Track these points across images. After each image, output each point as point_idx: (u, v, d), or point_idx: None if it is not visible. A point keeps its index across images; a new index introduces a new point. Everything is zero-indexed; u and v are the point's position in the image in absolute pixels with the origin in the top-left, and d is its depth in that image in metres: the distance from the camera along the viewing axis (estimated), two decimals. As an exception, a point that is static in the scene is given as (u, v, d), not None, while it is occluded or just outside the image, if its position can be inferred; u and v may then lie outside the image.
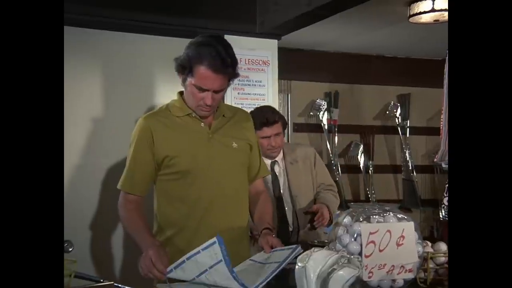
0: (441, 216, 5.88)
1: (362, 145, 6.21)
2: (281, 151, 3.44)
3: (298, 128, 6.09)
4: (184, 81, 2.48)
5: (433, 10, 4.41)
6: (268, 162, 3.35)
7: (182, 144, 2.53)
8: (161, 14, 3.84)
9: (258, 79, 4.11)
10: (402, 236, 2.02)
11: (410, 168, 6.20)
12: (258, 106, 3.57)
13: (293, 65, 5.55)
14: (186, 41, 2.51)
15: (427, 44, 5.96)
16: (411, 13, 4.54)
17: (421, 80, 6.43)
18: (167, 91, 3.57)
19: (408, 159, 6.20)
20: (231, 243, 2.30)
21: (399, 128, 6.26)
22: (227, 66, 2.39)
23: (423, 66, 6.48)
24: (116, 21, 3.73)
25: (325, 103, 6.04)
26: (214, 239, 2.08)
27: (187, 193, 2.53)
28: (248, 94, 4.05)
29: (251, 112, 3.22)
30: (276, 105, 4.16)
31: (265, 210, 2.69)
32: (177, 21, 3.87)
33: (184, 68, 2.43)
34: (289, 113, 6.01)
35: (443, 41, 5.58)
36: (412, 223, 2.05)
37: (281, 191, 3.41)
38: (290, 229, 3.38)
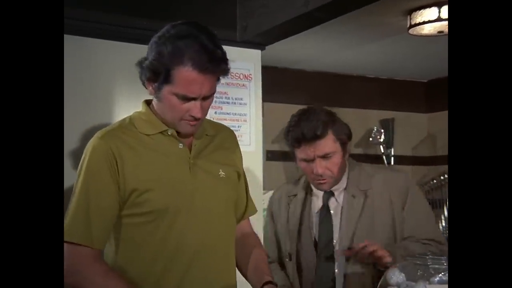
0: (432, 255, 5.32)
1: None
2: (345, 178, 2.40)
3: (272, 156, 5.43)
4: (157, 91, 1.86)
5: (439, 19, 3.81)
6: (318, 193, 2.42)
7: (156, 173, 1.88)
8: (121, 15, 3.12)
9: (238, 96, 3.42)
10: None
11: (397, 201, 5.60)
12: (304, 108, 2.46)
13: (266, 85, 4.94)
14: (145, 48, 1.93)
15: (412, 64, 5.53)
16: (412, 23, 3.94)
17: (404, 104, 5.99)
18: (129, 107, 2.82)
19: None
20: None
21: (384, 157, 5.66)
22: (218, 62, 1.83)
23: (407, 89, 6.05)
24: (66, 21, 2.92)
25: (302, 128, 5.37)
26: None
27: (163, 241, 1.87)
28: (227, 113, 3.34)
29: (292, 118, 2.39)
30: (259, 128, 3.50)
31: (260, 257, 2.08)
32: (138, 24, 3.15)
33: (157, 73, 1.82)
34: (262, 139, 5.33)
35: (432, 60, 5.23)
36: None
37: (334, 240, 2.35)
38: None
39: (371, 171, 2.45)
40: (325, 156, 2.32)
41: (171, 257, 1.89)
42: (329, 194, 2.43)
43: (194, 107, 1.85)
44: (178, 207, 1.90)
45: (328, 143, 2.31)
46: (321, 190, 2.42)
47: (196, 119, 1.88)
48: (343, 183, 2.42)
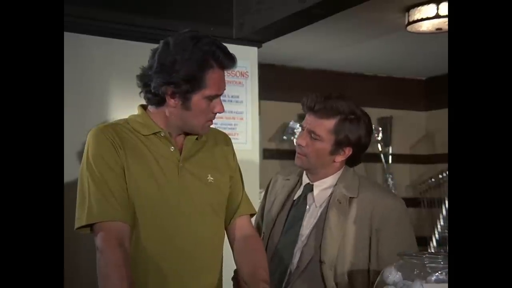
0: (431, 255, 5.28)
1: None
2: (330, 179, 2.32)
3: (268, 154, 5.39)
4: (184, 101, 1.89)
5: (437, 16, 3.77)
6: (304, 182, 2.33)
7: (148, 172, 1.90)
8: (116, 12, 3.06)
9: (234, 94, 3.39)
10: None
11: (395, 201, 5.56)
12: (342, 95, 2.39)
13: (262, 83, 4.89)
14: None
15: (411, 62, 5.48)
16: (410, 20, 3.90)
17: (402, 102, 5.94)
18: (125, 104, 2.80)
19: (392, 190, 5.54)
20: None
21: (382, 156, 5.61)
22: (231, 56, 1.93)
23: (405, 87, 6.00)
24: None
25: (299, 126, 5.28)
26: None
27: (142, 245, 1.90)
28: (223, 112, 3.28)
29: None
30: (256, 126, 3.47)
31: (258, 263, 2.03)
32: (134, 21, 3.10)
33: (193, 81, 1.87)
34: (258, 137, 5.29)
35: (430, 58, 5.18)
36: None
37: (301, 238, 2.26)
38: None
39: (363, 183, 2.32)
40: (311, 133, 2.24)
41: (150, 262, 1.90)
42: (310, 187, 2.32)
43: (217, 104, 1.93)
44: (163, 208, 1.91)
45: (321, 126, 2.23)
46: (295, 163, 2.33)
47: (216, 114, 1.96)
48: (325, 182, 2.30)
